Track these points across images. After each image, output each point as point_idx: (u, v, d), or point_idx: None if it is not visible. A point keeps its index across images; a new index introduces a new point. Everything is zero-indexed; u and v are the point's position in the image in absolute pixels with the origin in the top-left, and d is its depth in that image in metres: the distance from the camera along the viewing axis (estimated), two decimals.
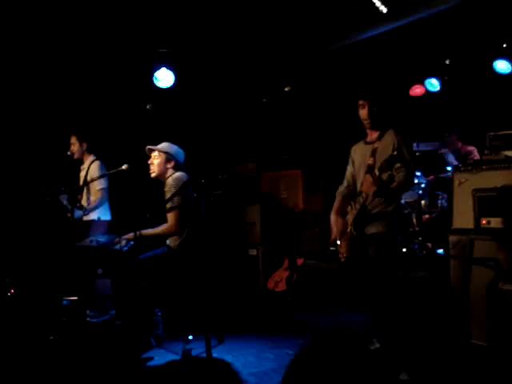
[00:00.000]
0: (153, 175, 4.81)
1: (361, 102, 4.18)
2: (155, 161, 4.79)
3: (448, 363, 4.03)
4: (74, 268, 5.08)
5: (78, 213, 5.83)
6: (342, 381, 3.30)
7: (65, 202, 5.68)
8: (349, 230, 4.03)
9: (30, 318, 5.15)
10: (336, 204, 4.34)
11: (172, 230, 4.61)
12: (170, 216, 4.59)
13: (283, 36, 6.95)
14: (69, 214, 5.70)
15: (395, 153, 3.69)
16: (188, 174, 4.80)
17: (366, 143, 4.22)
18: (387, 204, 3.98)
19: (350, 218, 4.06)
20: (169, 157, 4.78)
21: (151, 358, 4.47)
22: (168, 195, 4.60)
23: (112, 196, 6.22)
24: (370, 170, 3.95)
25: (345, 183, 4.41)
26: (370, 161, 4.00)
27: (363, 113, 4.18)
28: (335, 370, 3.49)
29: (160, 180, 4.84)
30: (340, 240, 4.11)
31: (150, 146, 4.84)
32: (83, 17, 6.04)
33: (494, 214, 4.39)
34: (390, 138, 4.02)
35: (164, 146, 4.85)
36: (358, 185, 4.16)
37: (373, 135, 4.18)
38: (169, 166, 4.79)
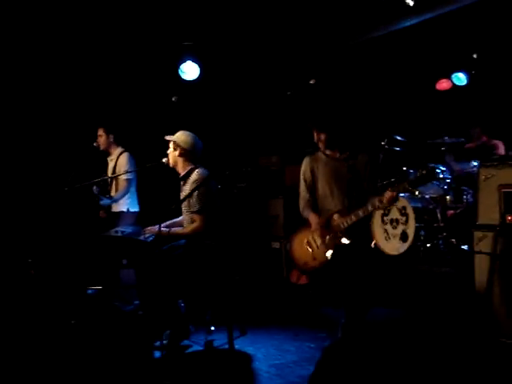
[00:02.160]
0: (170, 165, 4.85)
1: (316, 132, 4.42)
2: (170, 150, 4.83)
3: (474, 361, 4.00)
4: (99, 258, 5.15)
5: (105, 201, 5.96)
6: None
7: (95, 192, 5.78)
8: (339, 238, 4.14)
9: (53, 305, 5.23)
10: (315, 218, 4.35)
11: (199, 230, 4.63)
12: (198, 218, 4.62)
13: (309, 28, 6.92)
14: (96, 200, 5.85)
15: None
16: (210, 166, 4.82)
17: (334, 159, 4.42)
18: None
19: (340, 225, 4.15)
20: (182, 151, 4.79)
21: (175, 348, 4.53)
22: (188, 191, 4.63)
23: (143, 188, 6.33)
24: (351, 183, 4.26)
25: (307, 197, 4.50)
26: (349, 176, 4.28)
27: (319, 140, 4.42)
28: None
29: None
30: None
31: (167, 137, 4.87)
32: (111, 10, 6.10)
33: None
34: (365, 159, 4.34)
35: (179, 136, 4.85)
36: (327, 198, 4.36)
37: (339, 153, 4.40)
38: (182, 157, 4.81)
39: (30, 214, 6.37)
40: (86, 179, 5.54)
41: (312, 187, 4.48)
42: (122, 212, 5.97)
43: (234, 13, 6.52)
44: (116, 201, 6.11)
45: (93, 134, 6.24)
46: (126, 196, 6.16)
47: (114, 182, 6.19)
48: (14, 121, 6.60)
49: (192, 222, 4.69)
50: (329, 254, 4.16)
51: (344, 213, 4.17)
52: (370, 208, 4.04)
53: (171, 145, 4.82)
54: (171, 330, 4.52)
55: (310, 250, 4.29)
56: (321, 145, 4.42)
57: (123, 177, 6.06)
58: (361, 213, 4.06)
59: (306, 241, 4.34)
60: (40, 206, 6.39)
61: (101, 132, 6.21)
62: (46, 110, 6.79)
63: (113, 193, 6.19)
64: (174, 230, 4.75)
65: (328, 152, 4.45)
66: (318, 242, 4.23)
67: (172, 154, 4.81)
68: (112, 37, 6.50)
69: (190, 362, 4.38)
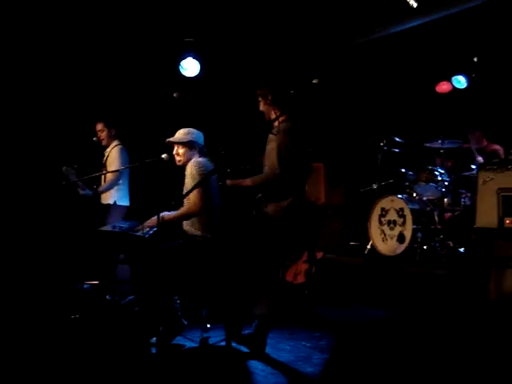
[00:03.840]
0: (179, 163, 4.82)
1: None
2: (180, 150, 4.80)
3: (471, 361, 4.00)
4: (95, 252, 5.13)
5: (87, 191, 5.90)
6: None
7: (72, 177, 5.71)
8: None
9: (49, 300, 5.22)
10: None
11: (194, 210, 4.50)
12: (192, 195, 4.41)
13: (310, 28, 6.92)
14: (78, 189, 5.81)
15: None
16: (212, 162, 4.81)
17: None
18: None
19: None
20: (190, 144, 4.79)
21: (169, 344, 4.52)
22: (189, 178, 4.61)
23: (141, 183, 6.29)
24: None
25: None
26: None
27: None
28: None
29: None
30: None
31: (169, 140, 4.84)
32: (112, 6, 6.09)
33: None
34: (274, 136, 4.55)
35: (182, 135, 4.83)
36: None
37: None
38: (193, 152, 4.79)
39: (27, 209, 6.34)
40: (85, 173, 5.54)
41: None
42: (109, 205, 5.92)
43: (234, 9, 6.51)
44: (101, 192, 6.05)
45: (92, 128, 6.21)
46: (115, 189, 6.12)
47: (104, 176, 6.14)
48: (13, 116, 6.58)
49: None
50: None
51: None
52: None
53: (180, 145, 4.79)
54: (164, 326, 4.50)
55: None
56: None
57: (112, 169, 6.00)
58: None
59: None
60: (38, 200, 6.37)
61: (101, 127, 6.16)
62: (45, 105, 6.78)
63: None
64: (166, 214, 4.57)
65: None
66: None
67: (182, 152, 4.78)
68: (113, 32, 6.49)
69: (184, 359, 4.37)
